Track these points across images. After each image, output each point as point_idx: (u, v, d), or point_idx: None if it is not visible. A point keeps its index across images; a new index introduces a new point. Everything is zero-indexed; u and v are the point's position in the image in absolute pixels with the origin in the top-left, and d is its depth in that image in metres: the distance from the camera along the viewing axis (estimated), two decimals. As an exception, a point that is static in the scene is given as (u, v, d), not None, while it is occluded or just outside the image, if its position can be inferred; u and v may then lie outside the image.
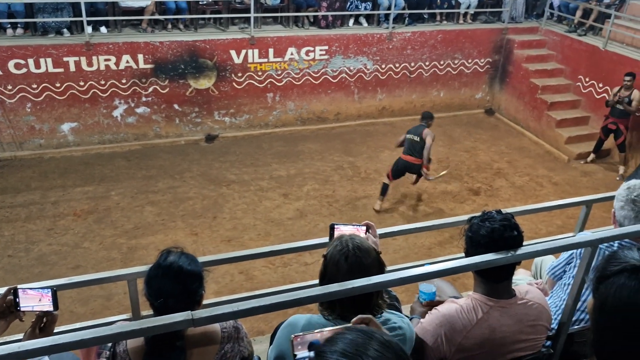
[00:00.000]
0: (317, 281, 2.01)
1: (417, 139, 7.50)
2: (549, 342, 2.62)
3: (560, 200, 3.86)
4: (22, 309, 1.94)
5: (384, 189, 7.86)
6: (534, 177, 9.27)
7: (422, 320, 2.30)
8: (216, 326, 2.00)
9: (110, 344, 1.90)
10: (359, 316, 1.49)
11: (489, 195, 8.60)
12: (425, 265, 2.30)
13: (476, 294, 2.22)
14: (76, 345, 1.42)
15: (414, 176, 7.92)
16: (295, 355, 1.37)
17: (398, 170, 7.75)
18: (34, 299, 1.95)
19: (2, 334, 1.96)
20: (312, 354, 1.02)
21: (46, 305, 1.96)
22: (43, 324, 1.97)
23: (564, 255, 2.86)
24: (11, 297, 1.92)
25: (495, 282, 2.19)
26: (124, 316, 2.77)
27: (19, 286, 1.95)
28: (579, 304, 2.65)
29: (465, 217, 3.28)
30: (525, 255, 2.15)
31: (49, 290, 1.96)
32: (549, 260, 3.40)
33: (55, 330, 2.55)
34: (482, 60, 11.52)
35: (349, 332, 1.02)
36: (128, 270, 2.60)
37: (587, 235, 2.47)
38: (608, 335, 0.99)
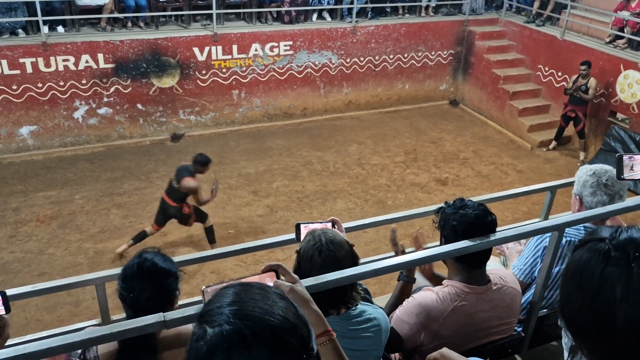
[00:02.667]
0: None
1: (176, 185, 6.21)
2: (519, 327, 2.67)
3: (525, 187, 3.93)
4: None
5: (140, 237, 6.50)
6: (499, 165, 9.44)
7: (397, 310, 2.32)
8: (190, 327, 1.95)
9: (79, 351, 1.84)
10: (268, 264, 1.44)
11: (456, 185, 8.72)
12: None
13: (452, 281, 2.24)
14: (44, 354, 1.37)
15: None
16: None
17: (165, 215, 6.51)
18: None
19: None
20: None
21: None
22: None
23: (526, 256, 2.83)
24: None
25: (474, 267, 2.22)
26: (94, 322, 2.69)
27: None
28: (546, 291, 2.70)
29: (434, 207, 3.32)
30: (506, 238, 2.25)
31: None
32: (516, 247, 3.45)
33: (21, 340, 2.47)
34: (445, 52, 11.65)
35: (230, 287, 1.03)
36: (95, 274, 2.53)
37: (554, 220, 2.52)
38: (566, 300, 1.11)
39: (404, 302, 2.35)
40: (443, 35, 11.48)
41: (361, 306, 2.01)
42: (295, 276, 1.43)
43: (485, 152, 9.91)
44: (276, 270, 1.43)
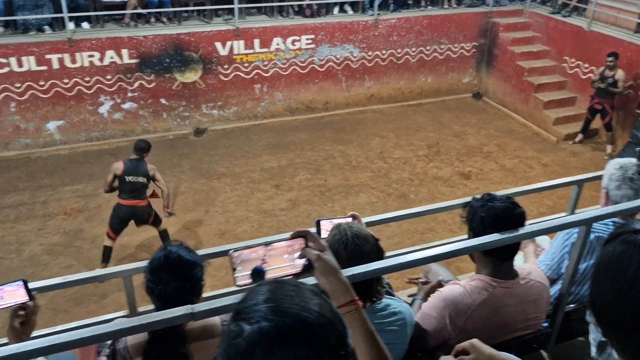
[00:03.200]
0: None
1: (142, 179, 6.07)
2: (546, 323, 2.64)
3: (552, 181, 3.87)
4: None
5: (107, 253, 6.27)
6: (523, 159, 9.32)
7: (423, 304, 2.31)
8: (216, 319, 1.99)
9: (109, 342, 1.88)
10: (297, 230, 1.43)
11: (480, 179, 8.63)
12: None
13: (480, 275, 2.23)
14: (76, 344, 1.40)
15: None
16: (234, 269, 1.35)
17: (121, 221, 6.23)
18: (5, 295, 1.91)
19: None
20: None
21: (19, 298, 1.93)
22: (23, 318, 1.94)
23: (553, 252, 2.81)
24: None
25: (502, 260, 2.21)
26: (121, 313, 2.74)
27: None
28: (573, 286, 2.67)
29: (458, 201, 3.29)
30: (534, 232, 2.23)
31: (20, 282, 1.94)
32: (542, 241, 3.41)
33: (52, 330, 2.52)
34: (468, 45, 11.51)
35: (263, 285, 1.02)
36: (123, 267, 2.58)
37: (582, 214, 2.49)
38: (598, 293, 1.09)
39: (429, 298, 2.34)
40: (466, 27, 11.34)
41: (386, 300, 2.01)
42: (324, 243, 1.41)
43: (509, 145, 9.79)
44: (305, 236, 1.40)
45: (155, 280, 1.90)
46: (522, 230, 2.15)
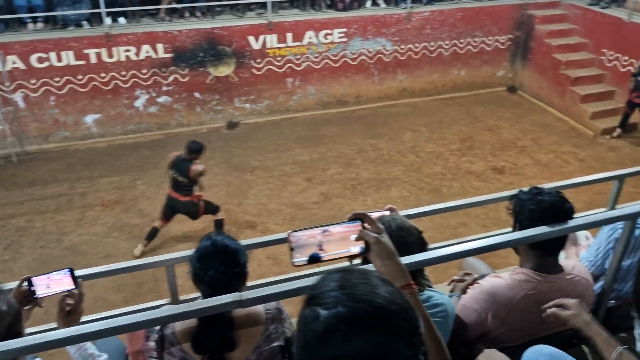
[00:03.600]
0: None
1: (182, 179, 6.21)
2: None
3: (591, 176, 3.79)
4: (39, 296, 1.98)
5: (152, 233, 6.59)
6: (559, 154, 9.14)
7: (463, 296, 2.31)
8: (260, 307, 2.03)
9: (157, 328, 1.93)
10: (354, 212, 1.44)
11: (514, 174, 8.50)
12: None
13: (523, 268, 2.22)
14: (131, 327, 1.45)
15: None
16: (292, 250, 1.38)
17: (169, 209, 6.47)
18: (52, 283, 1.98)
19: (26, 322, 2.01)
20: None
21: (66, 286, 2.00)
22: (71, 306, 2.01)
23: (597, 248, 2.78)
24: (26, 286, 1.96)
25: (548, 254, 2.19)
26: (164, 301, 2.81)
27: (32, 276, 1.98)
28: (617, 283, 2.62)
29: (493, 196, 3.27)
30: (580, 226, 2.23)
31: (67, 270, 2.01)
32: (581, 236, 3.35)
33: (99, 316, 2.60)
34: (503, 37, 11.33)
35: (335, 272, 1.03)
36: (166, 256, 2.64)
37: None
38: None
39: (469, 290, 2.34)
40: (501, 20, 11.16)
41: (427, 292, 2.02)
42: (381, 226, 1.42)
43: (544, 140, 9.61)
44: (362, 219, 1.41)
45: (204, 268, 1.95)
46: (570, 224, 2.13)
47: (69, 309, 2.01)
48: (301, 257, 1.39)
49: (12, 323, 1.70)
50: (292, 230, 1.39)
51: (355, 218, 1.42)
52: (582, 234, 3.31)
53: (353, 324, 0.91)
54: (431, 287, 2.28)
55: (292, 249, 1.38)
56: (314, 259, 1.38)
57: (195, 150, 6.23)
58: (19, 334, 1.74)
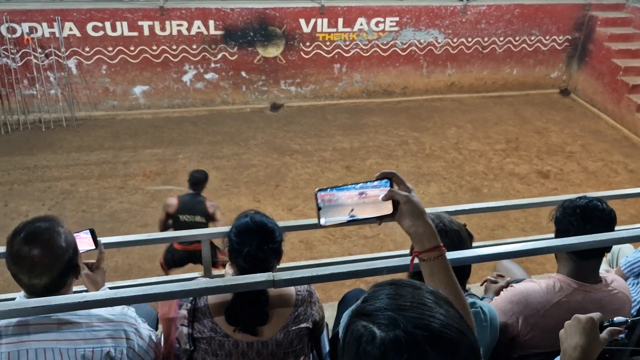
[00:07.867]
0: (383, 254, 2.01)
1: (199, 219, 5.03)
2: (622, 334, 2.53)
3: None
4: None
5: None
6: (608, 162, 8.82)
7: (495, 297, 2.26)
8: (291, 289, 2.04)
9: (191, 298, 1.96)
10: (382, 171, 1.37)
11: (559, 179, 8.26)
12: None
13: (560, 275, 2.16)
14: (167, 296, 1.47)
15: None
16: (319, 209, 1.32)
17: (175, 262, 5.22)
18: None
19: None
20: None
21: (87, 246, 2.08)
22: (92, 265, 2.10)
23: None
24: None
25: (585, 259, 2.13)
26: (197, 274, 2.86)
27: None
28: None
29: (536, 199, 3.19)
30: (624, 239, 2.17)
31: (87, 231, 2.09)
32: (626, 250, 3.25)
33: (134, 282, 2.67)
34: (560, 38, 10.95)
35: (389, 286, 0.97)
36: (203, 230, 2.70)
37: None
38: None
39: (502, 292, 2.29)
40: (560, 19, 10.78)
41: (469, 298, 1.98)
42: (410, 185, 1.36)
43: (594, 147, 9.29)
44: (390, 178, 1.36)
45: (242, 242, 1.97)
46: (614, 235, 2.06)
47: (89, 267, 2.08)
48: (330, 218, 1.32)
49: (71, 257, 1.79)
50: (318, 189, 1.32)
51: (383, 177, 1.36)
52: (628, 245, 3.22)
53: (411, 351, 0.86)
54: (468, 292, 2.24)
55: (319, 208, 1.32)
56: (345, 221, 1.32)
57: (203, 179, 5.27)
58: (77, 266, 1.84)
